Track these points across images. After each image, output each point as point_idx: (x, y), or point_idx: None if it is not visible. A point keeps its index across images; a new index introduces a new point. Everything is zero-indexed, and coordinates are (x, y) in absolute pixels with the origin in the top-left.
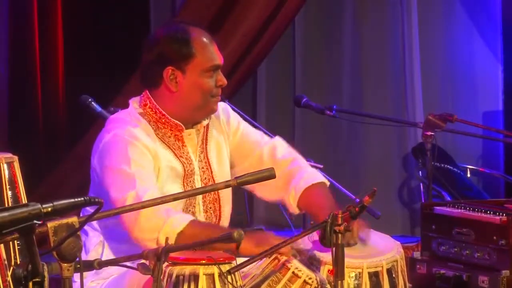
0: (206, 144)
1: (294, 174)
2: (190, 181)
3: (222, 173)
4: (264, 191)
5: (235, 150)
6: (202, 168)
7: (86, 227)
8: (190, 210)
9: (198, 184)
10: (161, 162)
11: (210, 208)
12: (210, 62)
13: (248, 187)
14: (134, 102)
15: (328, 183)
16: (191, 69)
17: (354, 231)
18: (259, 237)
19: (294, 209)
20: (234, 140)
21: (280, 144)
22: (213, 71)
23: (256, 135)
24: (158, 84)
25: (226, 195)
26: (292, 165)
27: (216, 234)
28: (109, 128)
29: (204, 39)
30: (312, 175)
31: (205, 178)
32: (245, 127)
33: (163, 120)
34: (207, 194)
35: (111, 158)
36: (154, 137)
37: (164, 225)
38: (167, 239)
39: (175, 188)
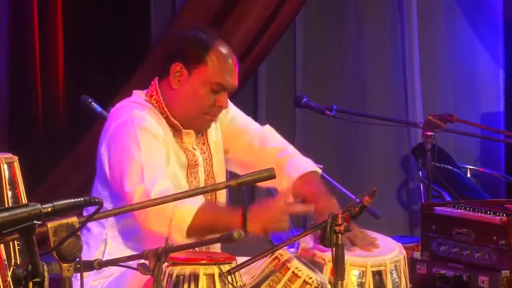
0: (207, 135)
1: (284, 163)
2: (194, 172)
3: (219, 164)
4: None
5: (225, 134)
6: (206, 159)
7: (90, 224)
8: None
9: (201, 175)
10: (169, 148)
11: (208, 199)
12: (218, 78)
13: (239, 172)
14: (139, 92)
15: (320, 172)
16: (197, 74)
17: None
18: (267, 218)
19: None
20: (224, 125)
21: (270, 133)
22: (217, 89)
23: (246, 119)
24: (165, 75)
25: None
26: (283, 153)
27: (225, 218)
28: (116, 116)
29: (225, 55)
30: (302, 164)
31: (207, 170)
32: (235, 112)
33: (164, 116)
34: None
35: (121, 144)
36: (162, 121)
37: (172, 220)
38: (167, 239)
39: (181, 177)
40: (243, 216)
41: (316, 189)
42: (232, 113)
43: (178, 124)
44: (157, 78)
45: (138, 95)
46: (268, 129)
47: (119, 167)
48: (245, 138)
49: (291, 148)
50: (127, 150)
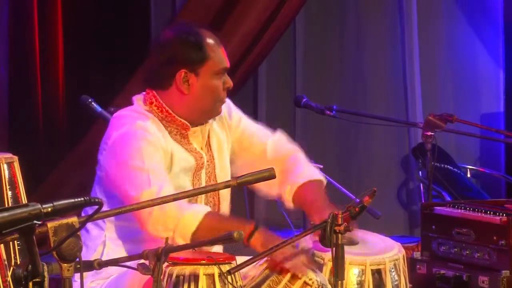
0: (209, 138)
1: (292, 169)
2: (198, 175)
3: (223, 168)
4: (265, 187)
5: (236, 143)
6: (208, 161)
7: (89, 225)
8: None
9: (203, 177)
10: (174, 156)
11: (210, 201)
12: (221, 65)
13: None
14: (138, 100)
15: (325, 181)
16: (204, 71)
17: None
18: (268, 237)
19: (290, 204)
20: (235, 134)
21: (282, 139)
22: (222, 74)
23: (257, 128)
24: (168, 86)
25: (225, 190)
26: (292, 160)
27: (230, 228)
28: (118, 125)
29: (216, 43)
30: (308, 171)
31: (209, 172)
32: (246, 121)
33: (169, 119)
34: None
35: (123, 154)
36: (164, 131)
37: (178, 224)
38: (167, 239)
39: (186, 181)
40: (252, 231)
41: (316, 196)
42: (244, 121)
43: (186, 122)
44: (153, 90)
45: (139, 104)
46: (280, 135)
47: (121, 175)
48: (258, 146)
49: (301, 154)
50: (131, 158)
